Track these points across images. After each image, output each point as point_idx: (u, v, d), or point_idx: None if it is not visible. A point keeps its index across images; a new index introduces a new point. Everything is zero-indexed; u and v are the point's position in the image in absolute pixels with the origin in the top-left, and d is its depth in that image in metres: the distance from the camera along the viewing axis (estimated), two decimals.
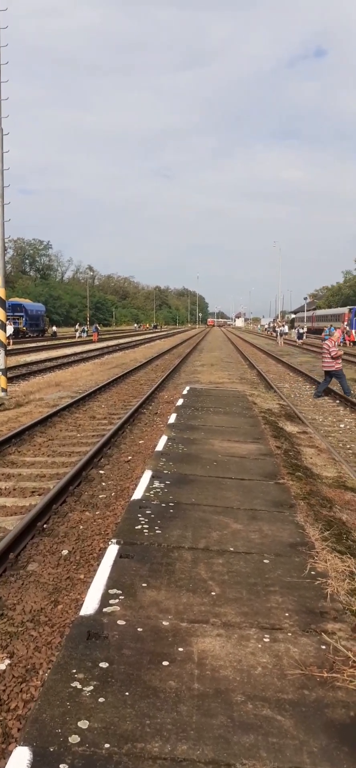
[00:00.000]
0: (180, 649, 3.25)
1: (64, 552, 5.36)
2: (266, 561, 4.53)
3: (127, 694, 2.81)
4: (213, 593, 3.96)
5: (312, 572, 4.35)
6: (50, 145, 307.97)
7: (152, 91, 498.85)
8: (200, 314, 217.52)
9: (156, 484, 6.42)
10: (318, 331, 65.43)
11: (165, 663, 3.11)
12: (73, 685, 2.85)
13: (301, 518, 5.59)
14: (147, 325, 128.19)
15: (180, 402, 13.22)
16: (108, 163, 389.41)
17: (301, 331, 60.28)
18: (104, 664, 3.04)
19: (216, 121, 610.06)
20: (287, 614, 3.74)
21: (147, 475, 6.77)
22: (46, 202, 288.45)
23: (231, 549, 4.73)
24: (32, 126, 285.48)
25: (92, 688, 2.84)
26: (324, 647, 3.32)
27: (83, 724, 2.58)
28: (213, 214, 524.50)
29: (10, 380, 18.63)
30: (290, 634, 3.49)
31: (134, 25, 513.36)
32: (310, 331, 71.80)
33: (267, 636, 3.46)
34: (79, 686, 2.85)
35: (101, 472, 8.25)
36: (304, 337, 56.88)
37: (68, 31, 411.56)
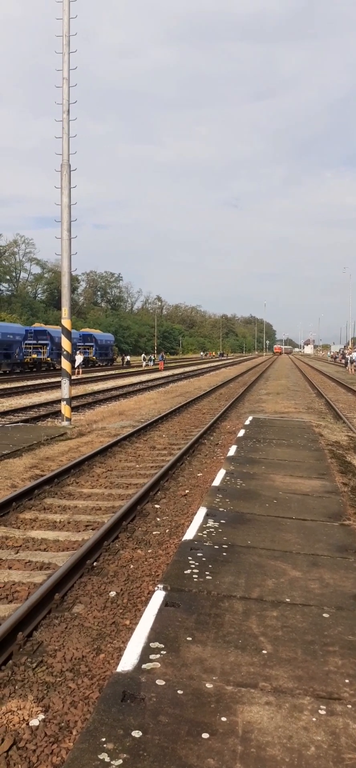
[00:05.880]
0: (223, 719, 2.92)
1: (112, 594, 5.13)
2: (325, 615, 4.11)
3: None
4: (264, 652, 3.59)
5: None
6: (124, 180, 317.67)
7: (222, 123, 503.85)
8: (268, 342, 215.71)
9: (210, 522, 6.10)
10: None
11: (205, 735, 2.79)
12: (100, 757, 2.59)
13: None
14: (213, 353, 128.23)
15: (242, 433, 12.83)
16: (179, 196, 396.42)
17: (348, 356, 62.09)
18: (136, 733, 2.76)
19: (286, 150, 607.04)
20: (347, 680, 3.32)
21: (201, 512, 6.47)
22: (118, 234, 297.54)
23: (287, 600, 4.33)
24: (107, 162, 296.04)
25: (120, 762, 2.56)
26: None
27: None
28: (282, 242, 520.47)
29: (76, 409, 18.92)
30: (350, 707, 3.08)
31: (206, 59, 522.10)
32: None
33: (323, 707, 3.06)
34: (107, 759, 2.58)
35: (157, 506, 8.02)
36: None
37: (143, 69, 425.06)
